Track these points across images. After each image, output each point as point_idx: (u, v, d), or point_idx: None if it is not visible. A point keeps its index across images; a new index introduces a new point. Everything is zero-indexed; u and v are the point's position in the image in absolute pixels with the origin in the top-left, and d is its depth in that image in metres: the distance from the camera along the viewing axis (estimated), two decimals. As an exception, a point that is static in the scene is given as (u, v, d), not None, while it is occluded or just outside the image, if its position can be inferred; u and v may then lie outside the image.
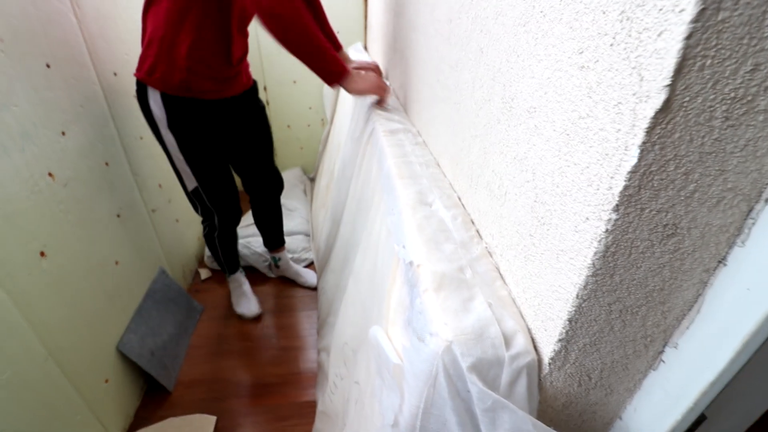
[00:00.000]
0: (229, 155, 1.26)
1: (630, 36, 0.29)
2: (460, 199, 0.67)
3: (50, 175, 0.90)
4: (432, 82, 0.83)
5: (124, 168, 1.21)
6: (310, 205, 2.11)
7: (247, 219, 1.91)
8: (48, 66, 0.91)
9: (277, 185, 1.42)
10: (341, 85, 0.96)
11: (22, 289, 0.79)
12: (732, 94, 0.27)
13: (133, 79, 1.02)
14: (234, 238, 1.40)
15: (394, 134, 0.89)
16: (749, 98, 0.27)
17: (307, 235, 1.86)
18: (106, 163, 1.11)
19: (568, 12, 0.36)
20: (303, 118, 2.18)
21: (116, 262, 1.12)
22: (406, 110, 1.07)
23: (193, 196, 1.19)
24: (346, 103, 1.65)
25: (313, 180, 2.33)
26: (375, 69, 1.34)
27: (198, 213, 1.26)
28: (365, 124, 1.02)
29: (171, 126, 1.03)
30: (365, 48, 2.02)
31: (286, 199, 1.79)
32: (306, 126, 2.21)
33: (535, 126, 0.42)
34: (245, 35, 1.09)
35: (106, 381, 1.03)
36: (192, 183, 1.15)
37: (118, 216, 1.15)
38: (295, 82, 2.05)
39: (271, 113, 2.16)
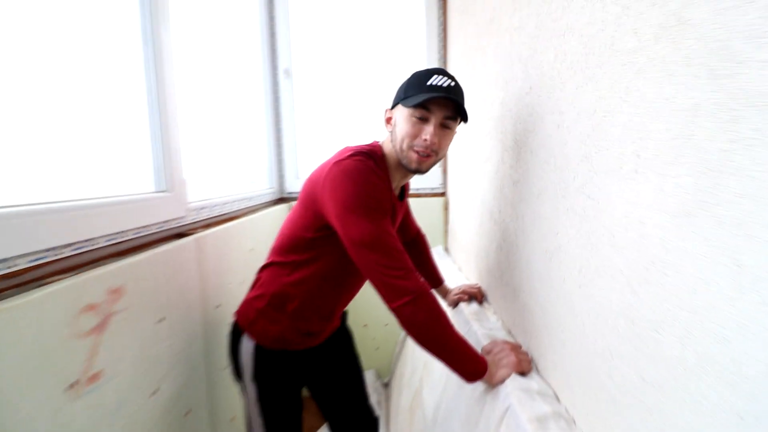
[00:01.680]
0: (317, 399, 1.12)
1: None
2: None
3: (130, 445, 0.78)
4: (591, 363, 0.66)
5: (203, 413, 1.08)
6: (385, 418, 1.81)
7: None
8: (160, 320, 0.89)
9: (371, 429, 1.20)
10: (480, 381, 0.83)
11: None
12: None
13: (232, 309, 1.00)
14: None
15: (542, 422, 0.69)
16: None
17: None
18: (187, 413, 0.99)
19: None
20: (380, 317, 2.09)
21: None
22: (528, 348, 0.89)
23: None
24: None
25: (386, 385, 2.08)
26: (478, 294, 1.26)
27: None
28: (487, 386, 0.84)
29: (255, 377, 0.95)
30: (446, 250, 2.02)
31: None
32: (383, 325, 2.10)
33: None
34: (353, 298, 1.08)
35: None
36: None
37: (184, 477, 0.97)
38: (375, 282, 2.03)
39: (351, 314, 2.09)
